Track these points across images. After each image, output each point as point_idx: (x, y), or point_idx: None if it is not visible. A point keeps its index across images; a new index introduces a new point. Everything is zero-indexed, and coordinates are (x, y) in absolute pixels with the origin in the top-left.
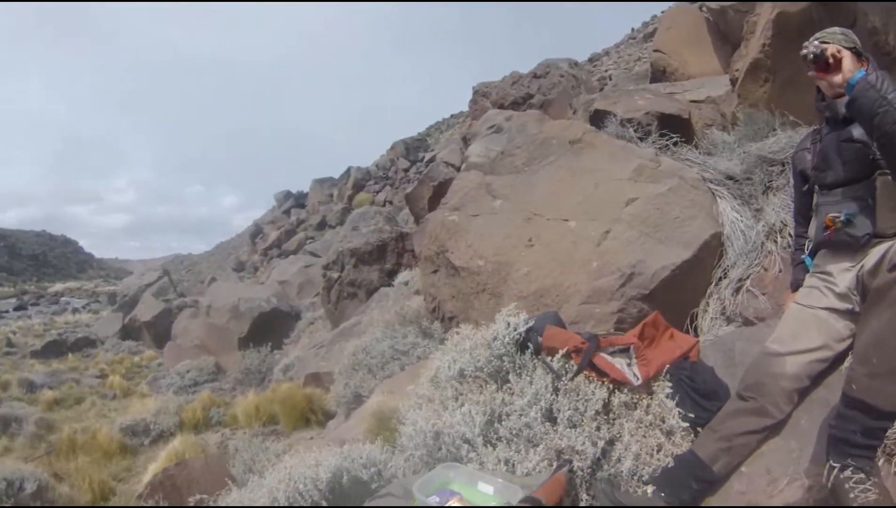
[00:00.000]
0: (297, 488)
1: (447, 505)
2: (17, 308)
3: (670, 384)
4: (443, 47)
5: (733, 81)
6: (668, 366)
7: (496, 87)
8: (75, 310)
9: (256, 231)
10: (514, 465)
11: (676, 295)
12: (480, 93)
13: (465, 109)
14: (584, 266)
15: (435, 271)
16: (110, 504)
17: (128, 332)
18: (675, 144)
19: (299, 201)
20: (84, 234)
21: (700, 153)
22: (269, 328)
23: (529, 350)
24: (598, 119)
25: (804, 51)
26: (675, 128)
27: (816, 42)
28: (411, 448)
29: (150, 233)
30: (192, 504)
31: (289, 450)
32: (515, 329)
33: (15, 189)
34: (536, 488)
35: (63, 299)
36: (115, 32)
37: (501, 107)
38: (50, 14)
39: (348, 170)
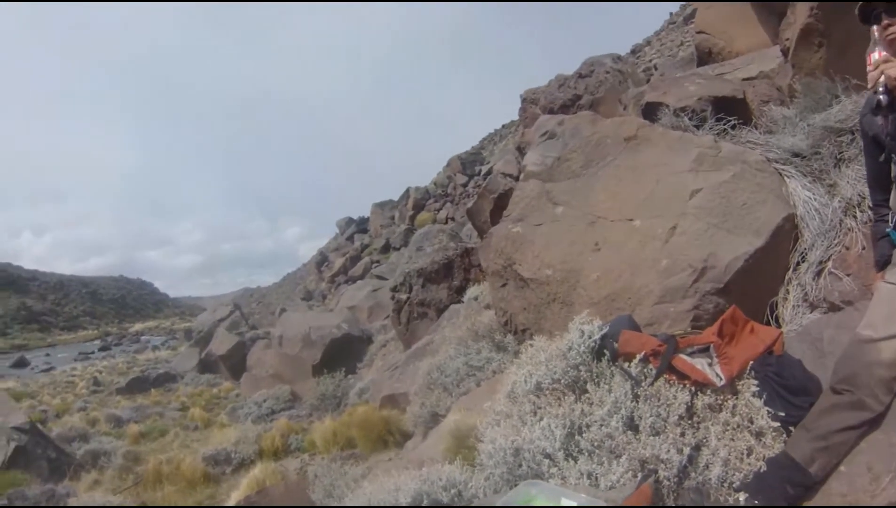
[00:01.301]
0: None
1: None
2: (101, 349)
3: (756, 382)
4: (486, 58)
5: (785, 52)
6: (752, 363)
7: (543, 92)
8: (155, 347)
9: (322, 260)
10: (597, 478)
11: (753, 286)
12: (529, 100)
13: (516, 117)
14: (653, 265)
15: (504, 285)
16: None
17: (205, 366)
18: (733, 127)
19: (361, 226)
20: (158, 276)
21: (761, 133)
22: (342, 353)
23: (606, 357)
24: (650, 112)
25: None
26: (730, 110)
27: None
28: (491, 466)
29: (219, 270)
30: None
31: (368, 474)
32: (590, 337)
33: (94, 239)
34: (621, 501)
35: (143, 337)
36: (171, 76)
37: (551, 111)
38: (114, 65)
39: (407, 191)
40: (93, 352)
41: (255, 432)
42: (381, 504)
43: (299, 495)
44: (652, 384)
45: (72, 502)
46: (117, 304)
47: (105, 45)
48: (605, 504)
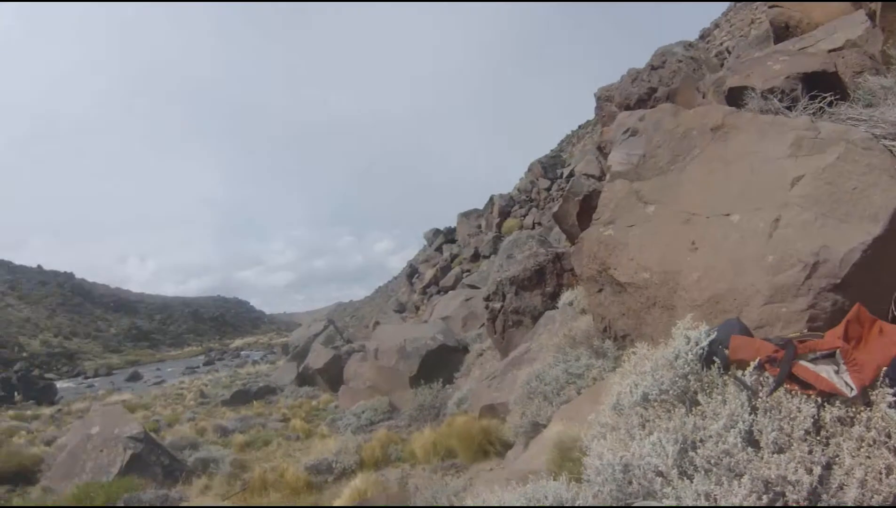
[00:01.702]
0: None
1: None
2: (206, 363)
3: (892, 391)
4: (555, 61)
5: (871, 16)
6: (885, 369)
7: (617, 88)
8: (255, 362)
9: (412, 271)
10: (716, 500)
11: (873, 279)
12: (603, 98)
13: (591, 117)
14: (758, 263)
15: (600, 290)
16: None
17: (303, 379)
18: (829, 104)
19: (449, 236)
20: (254, 294)
21: (861, 107)
22: (438, 364)
23: (716, 365)
24: (734, 98)
25: None
26: (823, 86)
27: None
28: (599, 483)
29: (312, 286)
30: None
31: (469, 485)
32: (697, 344)
33: (192, 263)
34: None
35: (243, 352)
36: (250, 104)
37: (627, 107)
38: (194, 95)
39: (491, 198)
40: (198, 367)
41: (356, 442)
42: None
43: (400, 505)
44: (771, 394)
45: (183, 505)
46: (217, 322)
47: (184, 77)
48: None
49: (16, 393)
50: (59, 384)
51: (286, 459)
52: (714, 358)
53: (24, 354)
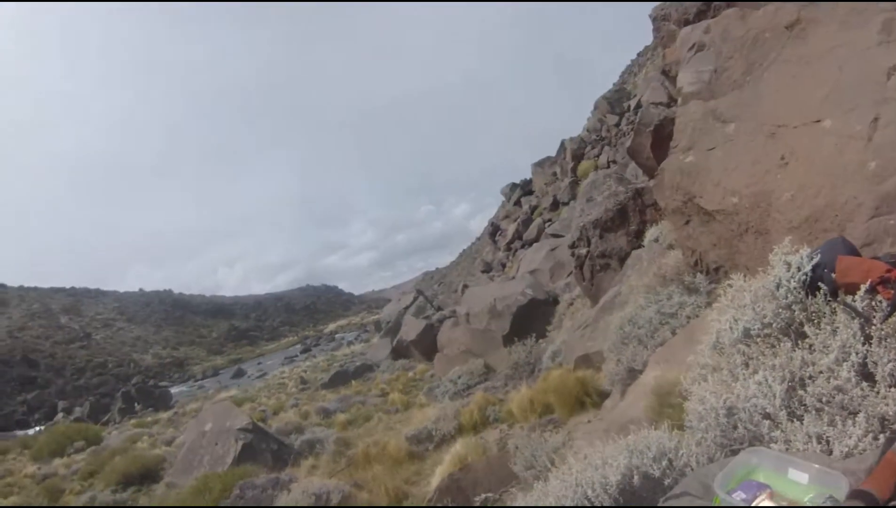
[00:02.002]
0: (586, 493)
1: (755, 505)
2: (303, 351)
3: None
4: None
5: None
6: None
7: (672, 4)
8: (349, 343)
9: (494, 230)
10: (829, 442)
11: None
12: (660, 18)
13: (648, 43)
14: (858, 171)
15: (687, 222)
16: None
17: (398, 352)
18: None
19: (525, 189)
20: (341, 278)
21: None
22: (530, 319)
23: (822, 292)
24: None
25: None
26: None
27: None
28: (702, 429)
29: (396, 261)
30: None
31: (568, 440)
32: (799, 269)
33: (278, 259)
34: (863, 475)
35: (337, 335)
36: (308, 104)
37: (687, 22)
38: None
39: (562, 144)
40: (296, 356)
41: (453, 408)
42: (589, 484)
43: (500, 468)
44: (886, 320)
45: (294, 486)
46: (309, 310)
47: (244, 85)
48: (842, 476)
49: (136, 404)
50: (173, 390)
51: (387, 432)
52: (819, 284)
53: (139, 368)
